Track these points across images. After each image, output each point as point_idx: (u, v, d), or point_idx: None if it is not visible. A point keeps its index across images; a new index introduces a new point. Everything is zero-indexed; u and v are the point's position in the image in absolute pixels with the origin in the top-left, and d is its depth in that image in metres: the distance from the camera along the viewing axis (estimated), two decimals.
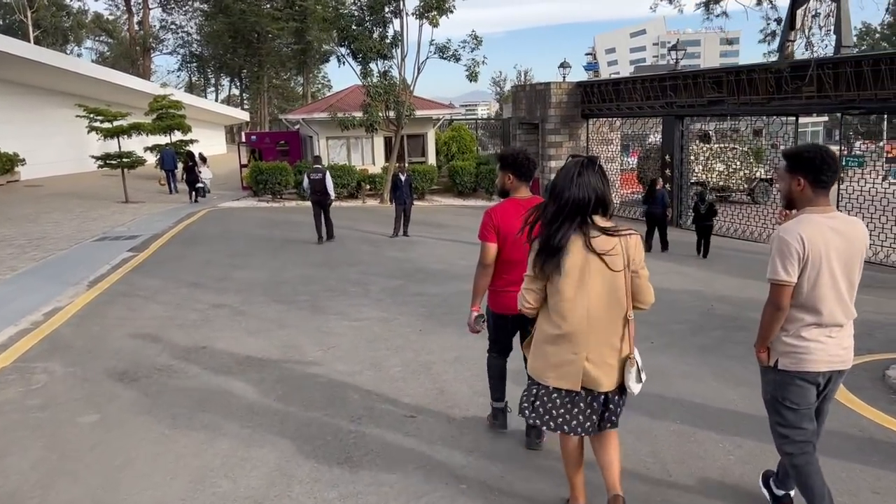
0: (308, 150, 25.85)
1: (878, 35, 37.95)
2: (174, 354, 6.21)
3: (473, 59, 20.94)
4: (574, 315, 3.02)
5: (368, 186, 23.09)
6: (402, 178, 14.94)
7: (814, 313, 2.97)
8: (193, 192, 21.98)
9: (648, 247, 13.60)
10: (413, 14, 20.74)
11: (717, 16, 10.81)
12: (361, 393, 5.20)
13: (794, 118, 15.23)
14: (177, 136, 27.64)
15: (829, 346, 3.00)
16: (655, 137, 22.56)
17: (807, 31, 14.65)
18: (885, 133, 38.75)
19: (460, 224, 17.09)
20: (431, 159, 25.23)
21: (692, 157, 19.68)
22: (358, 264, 11.31)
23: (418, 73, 21.66)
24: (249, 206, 21.00)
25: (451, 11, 20.54)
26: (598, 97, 20.97)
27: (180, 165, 24.56)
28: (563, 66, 22.83)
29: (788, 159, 3.04)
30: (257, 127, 52.34)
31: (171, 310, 7.95)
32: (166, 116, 27.29)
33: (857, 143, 39.65)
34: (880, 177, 14.96)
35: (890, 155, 34.82)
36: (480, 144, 29.71)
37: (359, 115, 21.24)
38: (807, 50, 14.84)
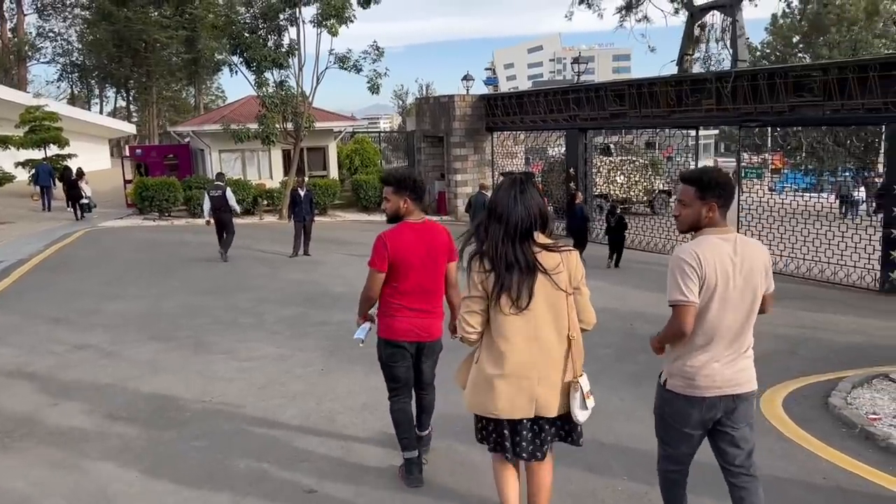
0: (199, 164, 24.29)
1: (758, 53, 40.05)
2: (13, 416, 5.10)
3: (375, 71, 20.24)
4: (520, 337, 2.93)
5: (266, 202, 21.86)
6: (301, 193, 13.99)
7: (707, 336, 2.89)
8: (79, 209, 20.21)
9: None
10: (311, 22, 19.85)
11: (640, 20, 10.59)
12: (249, 459, 4.32)
13: (694, 130, 15.38)
14: (53, 150, 25.37)
15: (720, 371, 2.91)
16: (556, 150, 22.63)
17: (705, 45, 14.84)
18: (769, 145, 41.02)
19: (366, 240, 16.08)
20: (334, 173, 24.27)
21: (595, 170, 19.72)
22: (252, 289, 10.30)
23: (317, 84, 20.75)
24: (133, 225, 19.33)
25: (352, 20, 19.77)
26: (501, 110, 20.72)
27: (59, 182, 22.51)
28: (466, 78, 22.53)
29: (697, 184, 2.94)
30: (146, 140, 49.44)
31: (24, 353, 6.75)
32: (40, 129, 25.00)
33: (744, 156, 41.81)
34: (767, 188, 15.54)
35: (774, 167, 36.70)
36: (384, 158, 29.03)
37: (254, 126, 20.05)
38: (705, 64, 15.03)
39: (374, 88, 20.20)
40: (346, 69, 20.10)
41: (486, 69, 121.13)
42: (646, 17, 10.11)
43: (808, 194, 15.32)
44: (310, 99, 20.85)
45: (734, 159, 41.72)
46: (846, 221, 14.93)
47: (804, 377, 5.99)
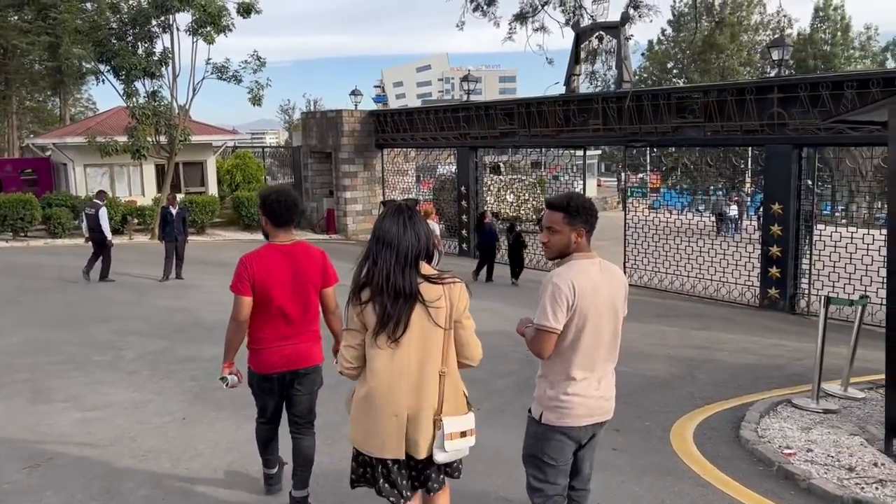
0: (61, 180, 22.23)
1: (636, 78, 41.67)
2: None
3: (256, 82, 19.25)
4: (391, 372, 2.78)
5: (136, 220, 20.22)
6: (173, 211, 12.84)
7: (578, 364, 2.90)
8: None
9: (475, 277, 13.77)
10: (186, 30, 18.63)
11: (537, 29, 10.42)
12: None
13: (582, 150, 15.49)
14: None
15: (592, 399, 2.93)
16: (447, 168, 22.45)
17: (591, 65, 15.00)
18: (648, 165, 42.84)
19: None
20: (213, 189, 22.89)
21: (485, 189, 19.60)
22: (113, 319, 9.19)
23: (194, 95, 19.46)
24: None
25: (230, 29, 18.71)
26: (391, 127, 20.25)
27: None
28: (355, 93, 21.88)
29: (565, 210, 2.92)
30: (5, 154, 45.26)
31: None
32: None
33: (623, 175, 43.48)
34: (647, 206, 15.97)
35: (653, 186, 38.26)
36: (269, 173, 27.88)
37: (123, 139, 18.52)
38: (591, 84, 15.18)
39: (256, 100, 19.19)
40: (224, 80, 19.00)
41: (376, 87, 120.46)
42: (543, 28, 9.98)
43: (687, 213, 15.86)
44: (186, 110, 19.55)
45: (615, 179, 43.30)
46: (723, 237, 15.53)
47: (708, 405, 5.79)
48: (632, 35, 11.35)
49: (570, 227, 2.90)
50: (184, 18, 18.76)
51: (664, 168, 41.78)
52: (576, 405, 2.90)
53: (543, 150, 17.76)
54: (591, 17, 10.55)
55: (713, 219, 20.95)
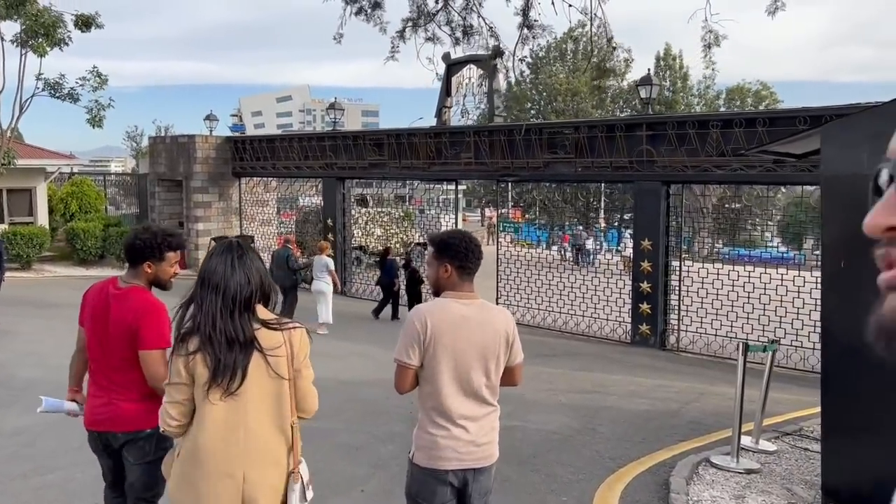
0: None
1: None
2: None
3: (97, 101, 17.31)
4: (223, 427, 2.48)
5: None
6: None
7: (441, 405, 2.82)
8: None
9: (377, 315, 13.31)
10: (13, 41, 16.48)
11: (429, 39, 9.84)
12: None
13: (454, 184, 15.10)
14: None
15: (459, 443, 2.83)
16: (310, 200, 21.42)
17: (462, 98, 14.72)
18: (509, 200, 43.76)
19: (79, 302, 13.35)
20: (43, 219, 20.35)
21: (352, 222, 18.74)
22: None
23: (21, 113, 17.19)
24: None
25: (66, 43, 16.75)
26: (251, 154, 18.97)
27: None
28: (210, 118, 20.36)
29: (435, 245, 2.97)
30: None
31: None
32: None
33: (487, 211, 44.19)
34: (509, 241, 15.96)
35: (517, 221, 38.92)
36: (114, 203, 25.47)
37: None
38: (462, 117, 14.92)
39: (96, 121, 17.24)
40: (59, 98, 16.94)
41: (233, 115, 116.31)
42: (433, 38, 9.45)
43: (545, 248, 15.88)
44: (12, 128, 17.23)
45: (478, 214, 43.78)
46: (581, 268, 15.72)
47: (621, 468, 5.27)
48: (516, 63, 11.08)
49: (438, 262, 2.89)
50: (11, 28, 16.63)
51: (523, 204, 43.06)
52: (441, 447, 2.81)
53: (415, 182, 17.22)
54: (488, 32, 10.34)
55: (571, 252, 21.74)
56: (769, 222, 13.25)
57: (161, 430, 2.61)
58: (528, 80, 47.28)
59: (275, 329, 2.55)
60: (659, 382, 8.37)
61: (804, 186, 11.61)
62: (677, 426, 6.30)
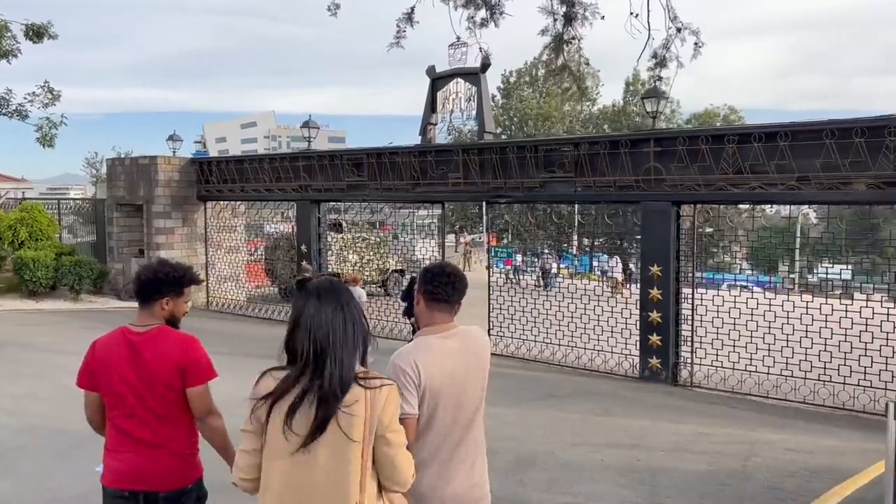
0: None
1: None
2: None
3: (48, 119, 15.95)
4: (293, 490, 2.20)
5: None
6: None
7: (432, 449, 2.62)
8: None
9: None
10: None
11: (396, 44, 8.96)
12: None
13: (440, 206, 14.04)
14: None
15: (452, 487, 2.65)
16: (275, 227, 20.17)
17: (449, 115, 13.73)
18: (485, 224, 42.95)
19: (29, 340, 11.91)
20: None
21: (327, 248, 17.53)
22: None
23: None
24: None
25: (14, 55, 15.49)
26: (217, 177, 17.70)
27: None
28: (173, 139, 19.01)
29: (420, 277, 2.86)
30: None
31: None
32: None
33: (462, 237, 43.30)
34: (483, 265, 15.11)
35: (492, 244, 38.07)
36: (72, 231, 23.93)
37: None
38: (449, 134, 13.94)
39: (46, 140, 15.91)
40: (5, 115, 15.55)
41: (196, 142, 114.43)
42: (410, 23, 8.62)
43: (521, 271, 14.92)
44: None
45: (454, 239, 42.95)
46: (548, 291, 14.92)
47: None
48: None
49: (417, 293, 2.81)
50: None
51: (495, 229, 42.29)
52: (434, 496, 2.62)
53: (392, 206, 16.12)
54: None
55: (539, 274, 21.47)
56: (739, 246, 12.41)
57: (232, 482, 2.34)
58: (499, 104, 46.83)
59: (359, 385, 2.25)
60: (695, 429, 7.31)
61: (779, 207, 10.86)
62: (757, 496, 5.22)
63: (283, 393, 2.20)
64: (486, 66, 13.14)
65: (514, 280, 19.09)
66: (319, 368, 2.21)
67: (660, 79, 8.13)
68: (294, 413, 2.18)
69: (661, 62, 7.78)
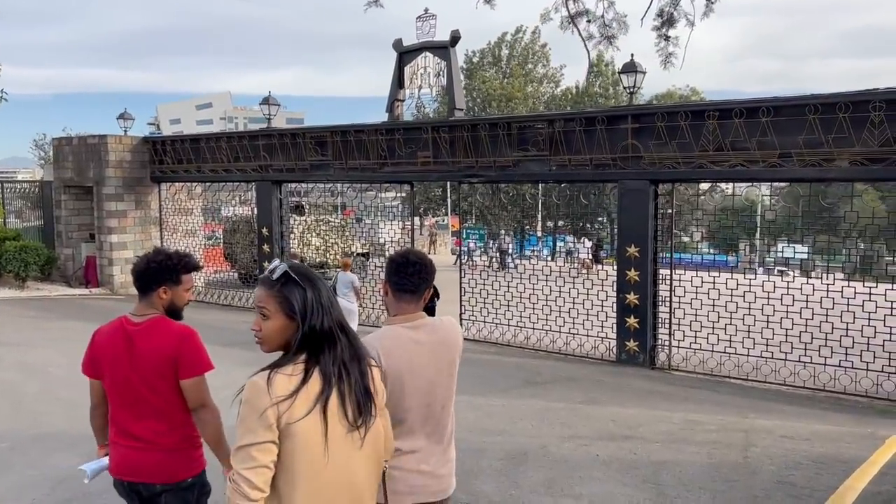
0: None
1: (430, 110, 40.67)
2: None
3: None
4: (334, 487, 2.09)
5: None
6: None
7: (400, 436, 2.57)
8: None
9: None
10: None
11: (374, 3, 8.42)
12: None
13: (409, 185, 13.50)
14: None
15: (420, 475, 2.64)
16: (231, 210, 19.41)
17: (417, 91, 13.16)
18: (449, 206, 42.46)
19: None
20: None
21: (290, 231, 16.85)
22: None
23: None
24: None
25: None
26: (172, 157, 16.84)
27: None
28: (124, 117, 18.01)
29: (385, 266, 2.86)
30: None
31: None
32: None
33: (426, 219, 42.81)
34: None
35: (454, 229, 37.76)
36: (18, 215, 22.77)
37: None
38: (418, 111, 13.40)
39: None
40: None
41: (150, 124, 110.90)
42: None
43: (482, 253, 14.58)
44: None
45: (419, 222, 42.44)
46: (505, 271, 14.74)
47: None
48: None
49: (384, 282, 2.78)
50: None
51: (459, 211, 41.87)
52: (406, 485, 2.60)
53: (356, 188, 15.51)
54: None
55: (496, 256, 21.78)
56: (699, 226, 12.17)
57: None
58: (462, 85, 46.12)
59: None
60: (685, 417, 6.99)
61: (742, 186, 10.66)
62: (770, 492, 4.87)
63: (326, 385, 2.09)
64: (455, 39, 12.61)
65: (464, 262, 19.05)
66: (345, 346, 2.17)
67: (667, 38, 7.67)
68: (345, 401, 2.11)
69: (668, 20, 7.32)
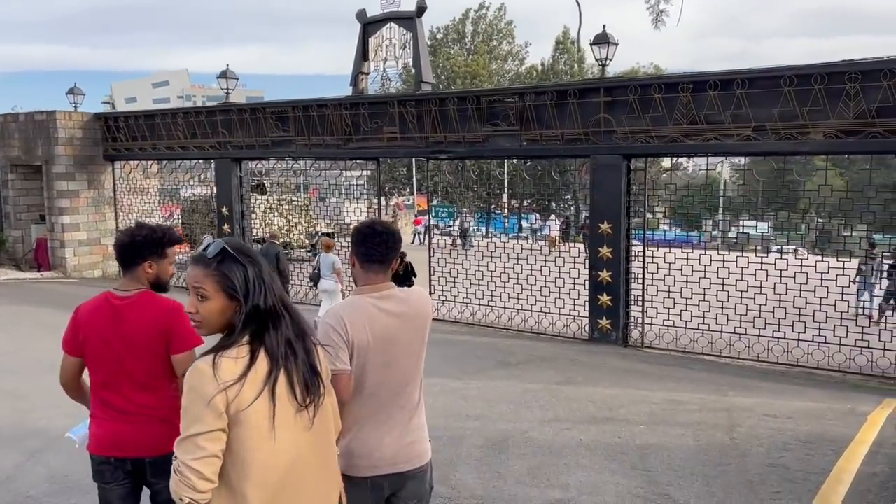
0: None
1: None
2: None
3: None
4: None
5: None
6: None
7: (364, 407, 2.58)
8: None
9: None
10: None
11: None
12: None
13: (375, 162, 13.07)
14: None
15: (389, 446, 2.60)
16: (191, 191, 18.74)
17: (382, 63, 12.71)
18: (414, 186, 42.01)
19: None
20: None
21: (252, 210, 16.29)
22: None
23: None
24: None
25: None
26: (125, 134, 16.12)
27: None
28: (74, 92, 17.14)
29: (352, 237, 2.76)
30: None
31: None
32: None
33: (394, 197, 42.31)
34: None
35: (420, 208, 37.42)
36: None
37: None
38: (383, 85, 12.96)
39: None
40: None
41: (105, 102, 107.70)
42: None
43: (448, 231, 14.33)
44: None
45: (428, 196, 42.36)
46: (466, 250, 14.70)
47: None
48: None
49: (351, 253, 2.72)
50: None
51: (425, 190, 41.44)
52: (364, 453, 2.57)
53: (319, 165, 15.01)
54: None
55: (458, 235, 21.78)
56: (662, 203, 12.02)
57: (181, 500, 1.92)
58: (428, 57, 45.44)
59: None
60: (665, 397, 6.79)
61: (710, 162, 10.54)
62: (764, 476, 4.67)
63: (273, 365, 2.00)
64: (422, 9, 12.16)
65: (421, 241, 18.92)
66: (289, 323, 2.08)
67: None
68: (293, 381, 2.02)
69: None
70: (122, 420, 2.87)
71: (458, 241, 20.22)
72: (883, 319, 11.47)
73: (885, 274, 12.58)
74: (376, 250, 2.64)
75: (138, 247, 2.93)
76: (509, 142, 11.22)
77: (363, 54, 12.77)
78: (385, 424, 2.61)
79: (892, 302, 12.16)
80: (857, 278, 11.96)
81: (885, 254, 12.70)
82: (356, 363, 2.56)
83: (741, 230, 12.25)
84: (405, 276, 11.69)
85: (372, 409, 2.59)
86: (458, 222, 26.25)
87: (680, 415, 6.06)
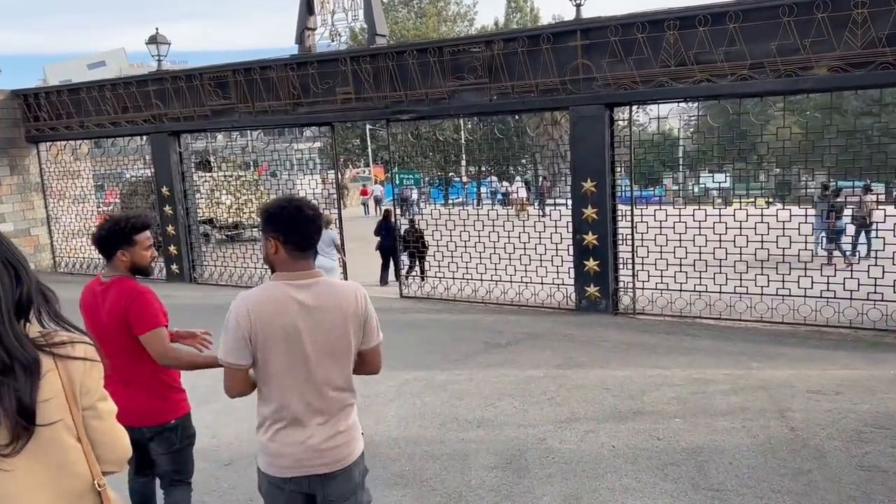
0: None
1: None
2: None
3: None
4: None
5: None
6: None
7: (275, 404, 2.42)
8: None
9: (384, 280, 13.05)
10: None
11: None
12: None
13: (331, 128, 11.84)
14: None
15: (297, 447, 2.43)
16: (135, 173, 17.22)
17: (330, 16, 11.43)
18: (370, 156, 40.56)
19: None
20: None
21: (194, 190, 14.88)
22: None
23: None
24: None
25: None
26: (48, 112, 14.51)
27: None
28: None
29: (260, 216, 2.53)
30: None
31: None
32: None
33: (349, 170, 40.81)
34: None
35: (379, 180, 36.06)
36: None
37: None
38: (332, 41, 11.71)
39: None
40: None
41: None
42: None
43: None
44: None
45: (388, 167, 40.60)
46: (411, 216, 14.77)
47: None
48: None
49: (264, 237, 2.48)
50: None
51: (380, 161, 40.05)
52: (277, 451, 2.43)
53: (274, 133, 13.69)
54: None
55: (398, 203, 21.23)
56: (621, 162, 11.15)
57: None
58: (381, 8, 43.68)
59: (42, 351, 1.59)
60: (687, 376, 5.84)
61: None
62: (863, 485, 3.66)
63: None
64: None
65: (372, 212, 17.97)
66: None
67: None
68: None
69: None
70: (119, 394, 2.80)
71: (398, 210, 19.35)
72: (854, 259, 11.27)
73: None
74: (304, 236, 2.42)
75: (106, 240, 3.15)
76: (477, 97, 10.13)
77: (308, 7, 11.46)
78: (303, 425, 2.43)
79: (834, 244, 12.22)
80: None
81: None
82: (261, 357, 2.39)
83: (702, 184, 11.54)
84: (423, 249, 11.88)
85: (283, 408, 2.41)
86: (397, 191, 25.30)
87: (714, 399, 5.18)
